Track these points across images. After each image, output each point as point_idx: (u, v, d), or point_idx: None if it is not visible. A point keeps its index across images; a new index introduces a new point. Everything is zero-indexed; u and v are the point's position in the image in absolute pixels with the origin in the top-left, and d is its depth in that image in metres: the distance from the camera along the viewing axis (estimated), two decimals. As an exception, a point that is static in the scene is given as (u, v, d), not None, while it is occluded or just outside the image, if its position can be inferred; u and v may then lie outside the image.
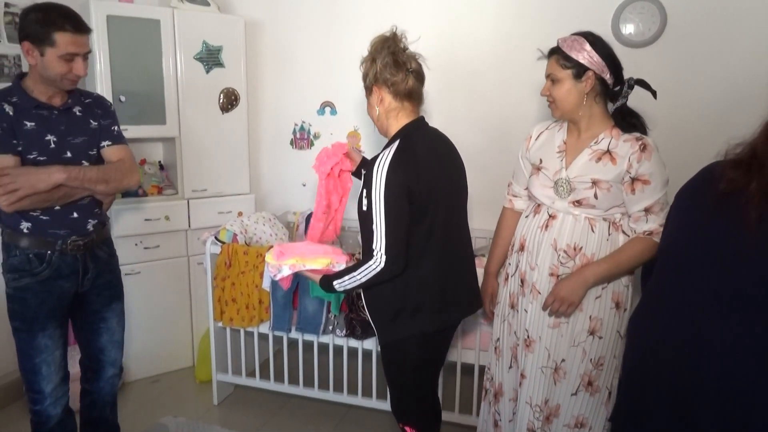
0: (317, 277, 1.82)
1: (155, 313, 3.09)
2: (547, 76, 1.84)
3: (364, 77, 1.82)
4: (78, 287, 2.00)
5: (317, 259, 1.80)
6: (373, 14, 3.11)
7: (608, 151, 1.79)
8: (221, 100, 3.14)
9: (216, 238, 2.77)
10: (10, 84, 1.91)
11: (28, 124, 1.84)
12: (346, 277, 1.73)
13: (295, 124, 3.44)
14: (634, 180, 1.75)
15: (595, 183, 1.77)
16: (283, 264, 1.80)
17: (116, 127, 2.07)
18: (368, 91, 1.83)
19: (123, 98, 2.83)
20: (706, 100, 2.63)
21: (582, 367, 1.85)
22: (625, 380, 1.55)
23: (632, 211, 1.79)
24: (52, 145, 1.87)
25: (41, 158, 1.85)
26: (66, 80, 1.85)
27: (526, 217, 1.95)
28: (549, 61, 1.84)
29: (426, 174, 1.71)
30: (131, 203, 2.94)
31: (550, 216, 1.85)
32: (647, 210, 1.77)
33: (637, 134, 1.80)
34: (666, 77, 2.65)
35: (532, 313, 1.88)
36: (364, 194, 1.71)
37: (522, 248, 1.92)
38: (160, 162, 3.29)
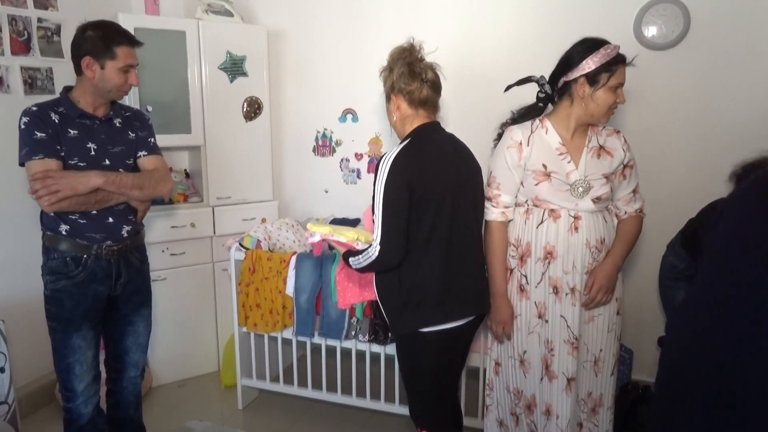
0: (342, 249, 1.92)
1: (181, 318, 3.14)
2: (622, 85, 1.85)
3: (384, 86, 1.90)
4: (111, 291, 2.09)
5: (346, 232, 1.91)
6: (394, 23, 3.14)
7: (601, 147, 1.94)
8: (245, 109, 3.20)
9: (240, 244, 2.82)
10: (57, 96, 2.06)
11: (72, 131, 1.97)
12: (355, 258, 1.83)
13: (317, 132, 3.48)
14: (624, 167, 1.96)
15: (607, 177, 1.89)
16: (317, 231, 1.95)
17: (152, 139, 2.20)
18: (387, 98, 1.92)
19: (150, 108, 2.90)
20: (729, 103, 2.59)
21: (614, 347, 1.98)
22: (665, 378, 1.49)
23: (623, 195, 1.99)
24: (93, 153, 2.00)
25: (81, 164, 1.97)
26: (121, 91, 2.02)
27: (540, 224, 1.91)
28: (624, 69, 1.84)
29: (429, 173, 1.76)
30: (158, 211, 3.00)
31: (574, 218, 1.87)
32: (634, 191, 2.00)
33: (610, 127, 2.00)
34: (689, 80, 2.62)
35: (574, 316, 1.90)
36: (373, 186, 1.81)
37: (550, 255, 1.90)
38: (185, 170, 3.36)
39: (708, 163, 2.63)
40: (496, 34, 2.95)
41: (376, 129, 3.32)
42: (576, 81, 1.85)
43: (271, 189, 3.36)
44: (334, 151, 3.46)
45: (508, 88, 2.11)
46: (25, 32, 2.74)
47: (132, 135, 2.13)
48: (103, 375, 2.24)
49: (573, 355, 1.91)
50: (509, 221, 2.00)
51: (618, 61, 1.81)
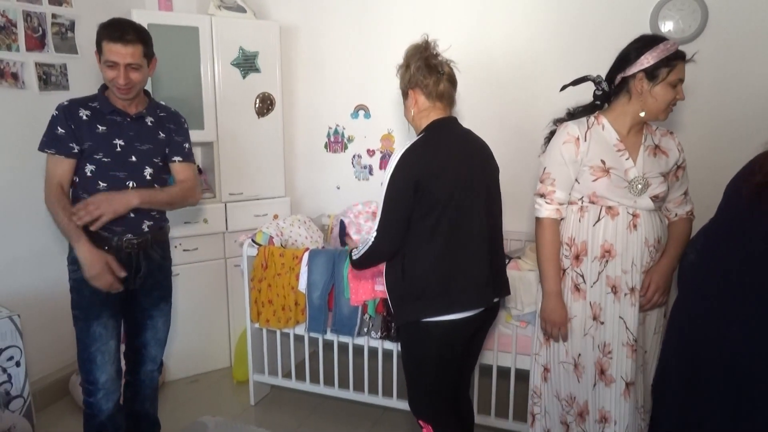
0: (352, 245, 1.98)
1: (194, 314, 3.15)
2: (681, 81, 1.82)
3: (401, 82, 1.93)
4: (130, 284, 2.11)
5: None
6: (406, 17, 3.13)
7: (657, 146, 1.92)
8: (257, 105, 3.20)
9: (252, 240, 2.82)
10: (95, 93, 2.10)
11: (101, 127, 2.02)
12: (356, 250, 1.90)
13: (329, 128, 3.47)
14: (678, 168, 1.94)
15: (664, 176, 1.88)
16: None
17: (188, 145, 2.24)
18: (405, 95, 1.94)
19: (163, 104, 2.89)
20: (748, 98, 2.55)
21: (659, 350, 1.94)
22: (666, 352, 1.73)
23: (675, 196, 1.97)
24: (119, 149, 2.04)
25: (106, 159, 2.02)
26: (115, 87, 2.00)
27: (597, 222, 1.87)
28: (684, 66, 1.81)
29: (437, 169, 1.77)
30: (171, 206, 3.01)
31: (633, 215, 1.85)
32: (685, 193, 1.99)
33: (663, 128, 1.97)
34: (706, 75, 2.58)
35: (633, 317, 1.85)
36: None
37: (608, 254, 1.86)
38: (198, 166, 3.35)
39: (725, 158, 2.58)
40: (509, 28, 2.93)
41: (388, 125, 3.30)
42: (634, 77, 1.82)
43: (284, 185, 3.36)
44: (346, 147, 3.45)
45: (564, 88, 2.05)
46: (40, 28, 2.76)
47: (162, 135, 2.15)
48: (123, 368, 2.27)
49: (632, 358, 1.85)
50: (562, 219, 1.95)
51: (678, 57, 1.78)
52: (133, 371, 2.28)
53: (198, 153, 3.38)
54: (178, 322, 3.08)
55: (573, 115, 2.01)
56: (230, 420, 2.76)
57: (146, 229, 2.11)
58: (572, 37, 2.79)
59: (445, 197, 1.77)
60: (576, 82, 2.04)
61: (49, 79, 2.81)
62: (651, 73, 1.79)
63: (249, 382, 2.95)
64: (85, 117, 2.01)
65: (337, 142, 3.47)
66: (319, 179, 3.56)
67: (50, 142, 1.99)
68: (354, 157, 3.43)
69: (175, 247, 3.03)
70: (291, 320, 2.73)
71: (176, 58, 2.95)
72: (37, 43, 2.75)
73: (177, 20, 2.96)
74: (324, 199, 3.56)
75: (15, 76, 2.67)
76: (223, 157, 3.13)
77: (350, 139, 3.43)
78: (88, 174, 2.02)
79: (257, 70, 3.16)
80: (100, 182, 2.02)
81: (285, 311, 2.73)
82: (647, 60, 1.78)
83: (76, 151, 2.00)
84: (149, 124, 2.12)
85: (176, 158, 2.19)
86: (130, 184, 2.05)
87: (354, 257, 1.92)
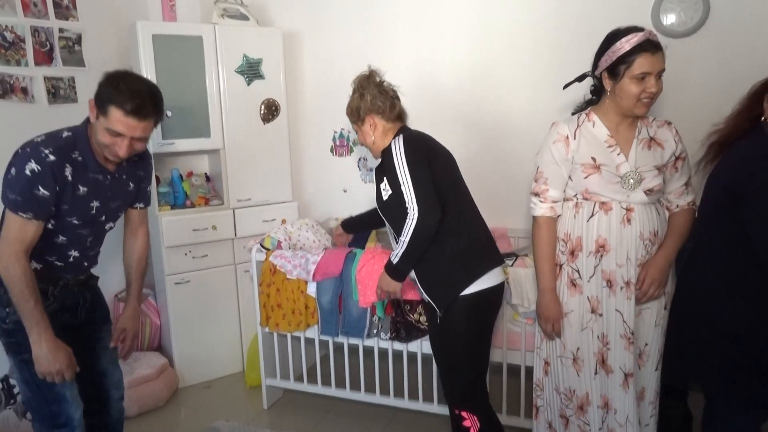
0: (383, 273, 2.04)
1: (205, 320, 3.18)
2: (658, 72, 1.78)
3: (356, 111, 2.07)
4: (77, 318, 1.92)
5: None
6: (407, 21, 3.14)
7: (652, 138, 1.90)
8: (262, 111, 3.22)
9: (261, 245, 2.84)
10: (74, 132, 1.75)
11: (82, 189, 1.75)
12: (397, 248, 1.95)
13: (335, 132, 3.49)
14: (677, 159, 1.91)
15: (659, 169, 1.86)
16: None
17: (150, 187, 2.07)
18: (361, 122, 2.08)
19: (169, 113, 2.94)
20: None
21: (660, 342, 1.95)
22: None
23: (675, 187, 1.94)
24: (93, 212, 1.82)
25: (77, 222, 1.79)
26: (111, 153, 1.73)
27: (591, 217, 1.88)
28: (661, 56, 1.77)
29: (434, 148, 2.01)
30: (180, 214, 3.05)
31: (626, 210, 1.85)
32: (686, 183, 1.95)
33: (660, 119, 1.95)
34: (708, 68, 2.58)
35: (629, 310, 1.87)
36: (383, 186, 1.99)
37: (602, 249, 1.87)
38: (206, 173, 3.40)
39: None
40: (510, 29, 2.93)
41: (393, 127, 3.32)
42: (602, 75, 1.85)
43: (291, 190, 3.38)
44: (351, 150, 3.47)
45: (567, 86, 2.06)
46: (48, 43, 2.80)
47: (131, 186, 1.94)
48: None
49: (629, 350, 1.87)
50: (558, 216, 1.96)
51: (642, 50, 1.74)
52: (98, 410, 2.01)
53: (205, 160, 3.42)
54: (190, 328, 3.12)
55: (575, 113, 2.02)
56: (244, 424, 2.78)
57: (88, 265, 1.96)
58: (575, 31, 2.79)
59: (450, 170, 2.00)
60: (578, 79, 2.04)
61: (57, 92, 2.86)
62: (611, 71, 1.80)
63: (261, 387, 2.97)
64: (70, 176, 1.70)
65: (342, 145, 3.49)
66: (325, 183, 3.58)
67: (28, 205, 1.64)
68: (360, 160, 3.45)
69: (185, 254, 3.07)
70: (302, 323, 2.74)
71: (181, 68, 2.99)
72: (45, 57, 2.80)
73: (181, 30, 2.99)
74: (331, 202, 3.58)
75: (24, 91, 2.72)
76: (230, 164, 3.16)
77: (356, 143, 3.45)
78: (49, 227, 1.75)
79: (261, 77, 3.19)
80: (60, 236, 1.78)
81: (295, 315, 2.74)
82: (608, 58, 1.79)
83: (65, 207, 1.74)
84: (123, 177, 1.89)
85: (139, 205, 2.02)
86: (90, 239, 1.87)
87: (395, 260, 1.95)
